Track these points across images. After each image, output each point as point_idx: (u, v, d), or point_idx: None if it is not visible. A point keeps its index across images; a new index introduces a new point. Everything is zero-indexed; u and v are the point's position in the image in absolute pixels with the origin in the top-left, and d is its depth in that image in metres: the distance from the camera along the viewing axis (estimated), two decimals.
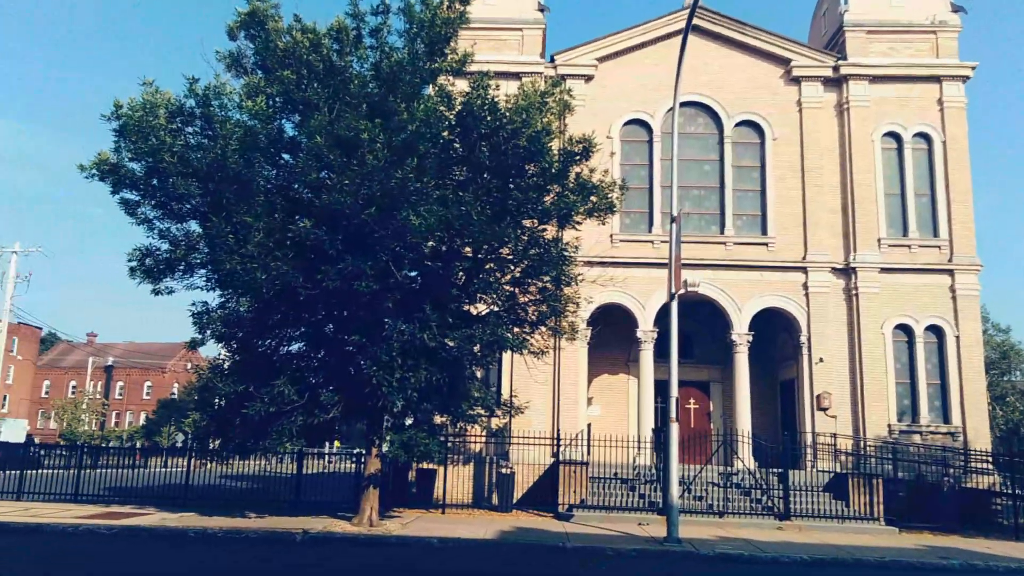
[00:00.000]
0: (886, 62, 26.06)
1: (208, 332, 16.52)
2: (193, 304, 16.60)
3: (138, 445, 61.41)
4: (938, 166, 25.56)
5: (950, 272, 24.76)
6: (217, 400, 17.91)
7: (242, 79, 16.89)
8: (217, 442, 19.11)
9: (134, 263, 16.39)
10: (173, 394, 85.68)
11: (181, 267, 16.62)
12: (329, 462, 36.74)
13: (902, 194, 25.57)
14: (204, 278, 16.89)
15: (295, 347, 17.87)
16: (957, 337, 24.41)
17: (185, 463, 22.15)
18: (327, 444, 30.18)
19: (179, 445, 54.68)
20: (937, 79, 25.92)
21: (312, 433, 17.47)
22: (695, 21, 22.65)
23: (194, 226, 16.93)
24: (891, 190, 25.64)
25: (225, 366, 17.89)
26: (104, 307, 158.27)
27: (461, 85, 17.20)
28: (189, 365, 78.86)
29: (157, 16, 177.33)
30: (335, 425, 17.99)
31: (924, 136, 25.87)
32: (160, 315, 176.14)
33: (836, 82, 26.21)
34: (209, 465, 22.91)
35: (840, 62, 26.06)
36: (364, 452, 18.59)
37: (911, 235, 25.20)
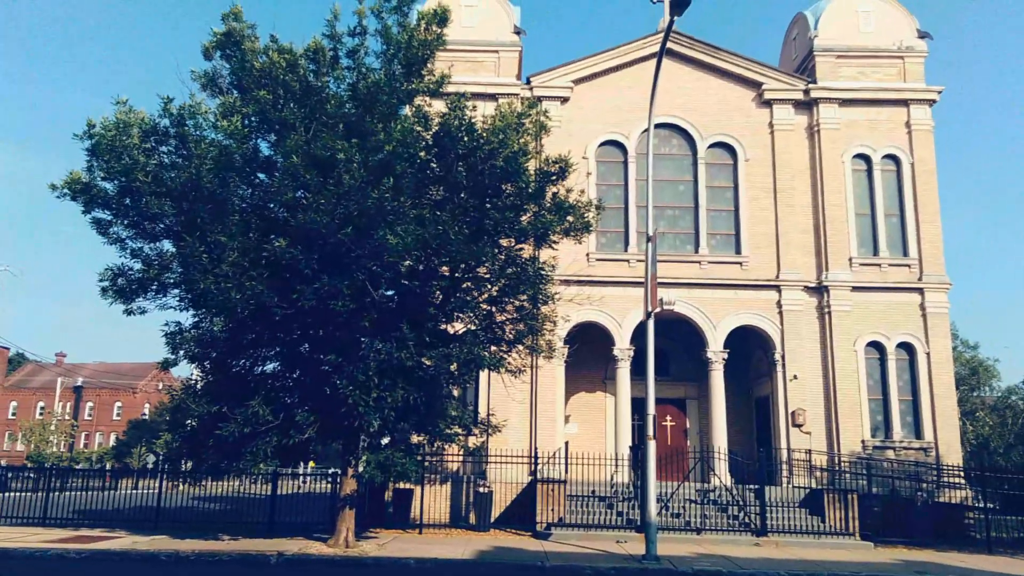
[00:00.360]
0: (855, 86, 26.63)
1: (181, 352, 16.34)
2: (166, 324, 16.40)
3: (108, 467, 60.29)
4: (907, 187, 26.11)
5: (920, 290, 25.22)
6: (190, 421, 17.66)
7: (217, 99, 16.85)
8: (189, 463, 18.85)
9: (106, 283, 16.22)
10: (144, 415, 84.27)
11: (154, 287, 16.46)
12: (304, 482, 36.24)
13: (872, 214, 26.05)
14: (177, 298, 16.72)
15: (270, 367, 17.72)
16: (928, 354, 24.82)
17: (157, 485, 21.79)
18: (302, 464, 29.84)
19: (150, 466, 53.75)
20: (905, 102, 26.54)
21: (287, 453, 17.29)
22: (669, 45, 23.01)
23: (167, 246, 16.79)
24: (862, 210, 26.11)
25: (198, 386, 17.66)
26: (74, 327, 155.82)
27: (438, 106, 17.32)
28: (161, 385, 77.79)
29: (133, 36, 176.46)
30: (310, 445, 17.79)
31: (893, 158, 26.42)
32: (131, 335, 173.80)
33: (807, 105, 26.72)
34: (181, 487, 22.59)
35: (811, 86, 26.59)
36: (340, 472, 18.43)
37: (881, 254, 25.65)
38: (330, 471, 26.66)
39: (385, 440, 17.57)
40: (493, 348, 17.56)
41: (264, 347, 17.17)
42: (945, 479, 22.89)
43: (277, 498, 20.70)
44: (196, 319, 16.87)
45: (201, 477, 18.87)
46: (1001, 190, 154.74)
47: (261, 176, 17.00)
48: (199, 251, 15.07)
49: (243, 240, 15.20)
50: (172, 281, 16.41)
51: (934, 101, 26.57)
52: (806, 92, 26.57)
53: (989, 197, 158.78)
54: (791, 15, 32.15)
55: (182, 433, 17.75)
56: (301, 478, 34.77)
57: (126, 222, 16.49)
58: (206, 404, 16.01)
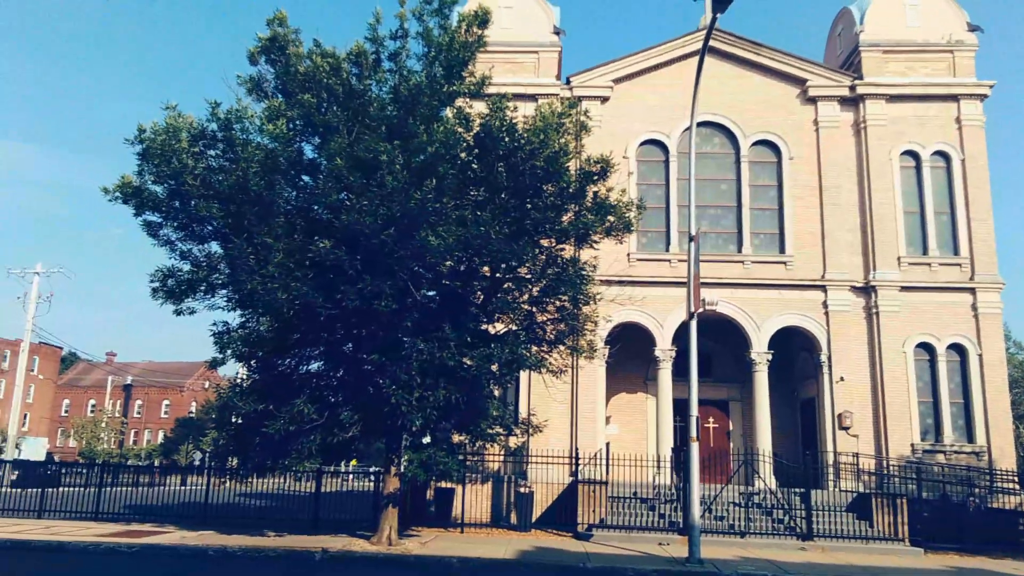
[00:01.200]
0: (903, 81, 26.05)
1: (229, 351, 16.65)
2: (214, 324, 16.75)
3: (157, 463, 61.73)
4: (957, 184, 25.45)
5: (971, 290, 24.56)
6: (236, 419, 18.01)
7: (263, 103, 17.13)
8: (235, 460, 19.19)
9: (156, 284, 16.60)
10: (191, 413, 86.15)
11: (202, 287, 16.80)
12: (346, 480, 36.69)
13: (921, 212, 25.46)
14: (225, 298, 17.05)
15: (314, 366, 17.97)
16: (980, 355, 24.17)
17: (203, 481, 22.25)
18: (345, 463, 30.21)
19: (197, 463, 54.88)
20: (955, 98, 25.87)
21: (331, 452, 17.51)
22: (711, 42, 22.75)
23: (215, 247, 17.14)
24: (910, 208, 25.53)
25: (244, 385, 17.99)
26: (124, 327, 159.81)
27: (479, 107, 17.37)
28: (207, 384, 79.31)
29: (180, 41, 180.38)
30: (353, 444, 18.01)
31: (943, 155, 25.77)
32: (178, 334, 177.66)
33: (853, 101, 26.21)
34: (227, 483, 23.01)
35: (856, 81, 26.07)
36: (382, 471, 18.61)
37: (931, 253, 25.05)
38: (372, 469, 26.94)
39: (427, 439, 17.70)
40: (534, 348, 17.56)
41: (309, 346, 17.43)
42: (998, 484, 22.25)
43: (321, 496, 20.98)
44: (243, 319, 17.19)
45: (247, 474, 19.19)
46: None
47: (306, 178, 17.26)
48: (246, 252, 15.34)
49: (288, 241, 15.45)
50: (220, 282, 16.74)
51: (985, 96, 25.85)
52: (852, 88, 26.07)
53: None
54: (836, 11, 31.58)
55: (228, 431, 18.12)
56: (344, 476, 35.13)
57: (175, 224, 16.87)
58: (252, 402, 16.29)
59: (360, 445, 18.44)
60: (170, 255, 17.04)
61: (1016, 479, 22.89)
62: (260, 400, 16.23)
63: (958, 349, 24.46)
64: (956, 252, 25.06)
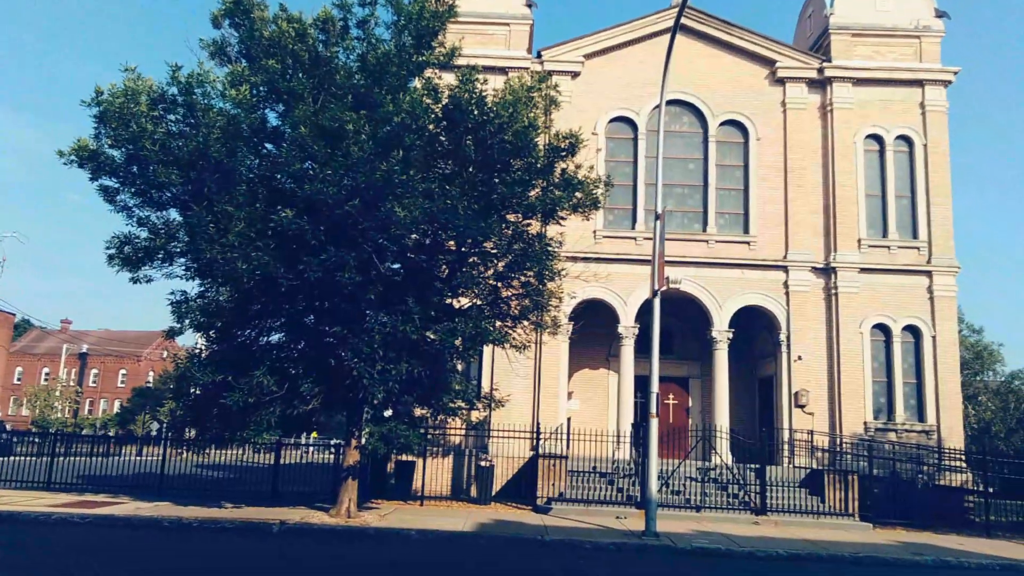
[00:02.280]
0: (870, 65, 26.28)
1: (187, 321, 16.35)
2: (172, 293, 16.40)
3: (112, 433, 60.80)
4: (919, 169, 25.86)
5: (928, 273, 25.08)
6: (194, 389, 17.74)
7: (226, 68, 16.73)
8: (193, 432, 18.95)
9: (112, 251, 16.23)
10: (148, 382, 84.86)
11: (160, 255, 16.46)
12: (307, 452, 36.59)
13: (883, 196, 25.85)
14: (184, 267, 16.74)
15: (275, 337, 17.73)
16: (934, 337, 24.75)
17: (160, 452, 21.96)
18: (305, 435, 30.04)
19: (154, 434, 54.17)
20: (920, 83, 26.20)
21: (291, 424, 17.37)
22: (682, 20, 22.65)
23: (174, 214, 16.78)
24: (872, 191, 25.91)
25: (203, 355, 17.72)
26: (80, 295, 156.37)
27: (448, 79, 17.13)
28: (165, 354, 78.14)
29: (141, 2, 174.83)
30: (314, 416, 17.90)
31: (906, 139, 26.14)
32: (136, 303, 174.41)
33: (820, 84, 26.40)
34: (185, 454, 22.75)
35: (825, 64, 26.25)
36: (343, 443, 18.53)
37: (891, 236, 25.48)
38: (333, 442, 26.84)
39: (388, 412, 17.65)
40: (498, 323, 17.56)
41: (269, 318, 17.19)
42: (946, 462, 22.93)
43: (280, 468, 20.84)
44: (202, 288, 16.89)
45: (205, 445, 18.99)
46: (1013, 174, 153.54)
47: (269, 146, 16.91)
48: (206, 220, 15.04)
49: (250, 210, 15.15)
50: (178, 250, 16.41)
51: (949, 82, 26.22)
52: (820, 71, 26.25)
53: (999, 181, 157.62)
54: None
55: (186, 401, 17.86)
56: (304, 448, 34.96)
57: (133, 190, 16.47)
58: (211, 373, 16.06)
59: (321, 418, 18.34)
60: (127, 222, 16.71)
61: (963, 458, 23.63)
62: (219, 371, 15.99)
63: (913, 330, 25.02)
64: (915, 236, 25.54)
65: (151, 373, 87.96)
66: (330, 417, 19.08)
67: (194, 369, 16.52)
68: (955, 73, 26.19)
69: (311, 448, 34.56)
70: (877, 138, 26.15)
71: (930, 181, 25.65)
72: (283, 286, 15.31)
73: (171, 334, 16.94)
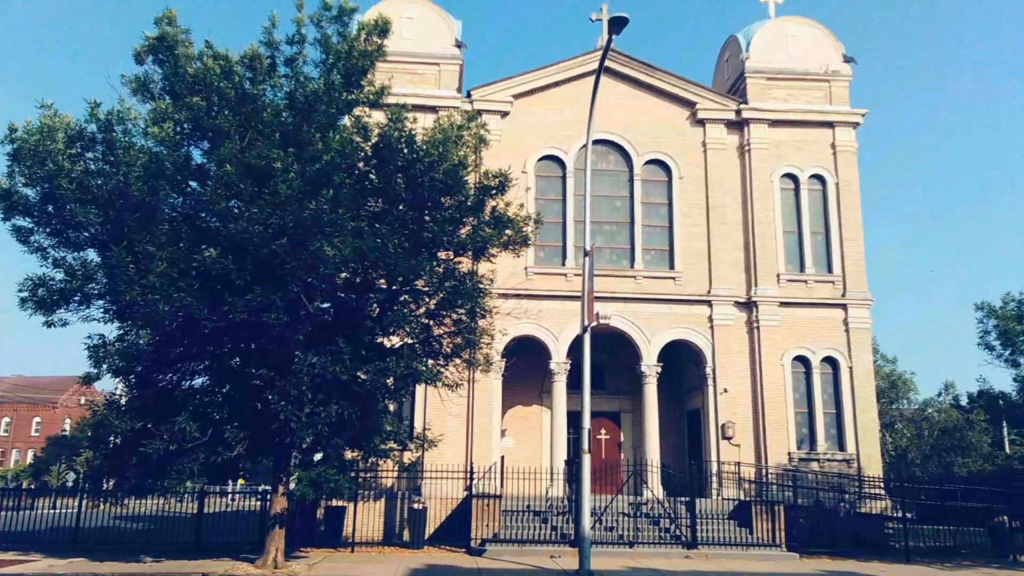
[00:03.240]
0: (784, 107, 27.54)
1: (105, 366, 15.66)
2: (89, 336, 15.73)
3: (25, 485, 57.44)
4: (832, 206, 27.08)
5: (843, 306, 26.13)
6: (112, 438, 17.02)
7: (149, 104, 16.35)
8: (111, 482, 18.11)
9: (25, 293, 15.51)
10: (64, 431, 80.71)
11: (77, 298, 15.82)
12: (232, 500, 35.28)
13: (799, 232, 26.92)
14: (102, 309, 16.12)
15: (198, 381, 17.20)
16: (851, 368, 25.71)
17: (76, 504, 20.86)
18: (231, 482, 29.02)
19: (70, 485, 51.45)
20: (831, 124, 27.57)
21: (215, 471, 16.78)
22: (607, 63, 23.36)
23: (92, 255, 16.18)
24: (789, 228, 26.96)
25: (122, 402, 17.02)
26: None
27: (378, 117, 17.16)
28: (83, 400, 74.63)
29: (62, 38, 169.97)
30: (240, 462, 17.33)
31: (819, 178, 27.38)
32: (52, 347, 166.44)
33: (738, 125, 27.49)
34: (102, 506, 21.65)
35: (742, 106, 27.38)
36: (270, 490, 17.98)
37: (808, 271, 26.50)
38: (260, 488, 25.98)
39: (318, 456, 17.24)
40: (431, 362, 17.44)
41: (193, 361, 16.66)
42: (866, 490, 23.69)
43: (204, 517, 20.07)
44: (121, 331, 16.26)
45: (123, 496, 18.15)
46: (920, 208, 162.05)
47: (193, 184, 16.55)
48: (125, 261, 14.56)
49: (172, 250, 14.75)
50: (96, 292, 15.82)
51: (858, 124, 27.68)
52: (738, 112, 27.35)
53: (909, 215, 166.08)
54: (724, 37, 33.11)
55: (104, 450, 17.11)
56: (230, 496, 33.72)
57: (48, 230, 15.86)
58: (130, 420, 15.45)
59: (247, 464, 17.78)
60: (42, 263, 15.99)
61: (882, 486, 24.45)
62: (138, 418, 15.39)
63: (831, 362, 25.95)
64: (830, 270, 26.62)
65: (68, 421, 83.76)
66: (257, 463, 18.51)
67: (112, 416, 15.87)
68: (863, 115, 27.66)
69: (237, 495, 33.36)
70: (793, 177, 27.32)
71: (843, 218, 26.87)
72: (207, 328, 14.88)
73: (88, 380, 16.22)
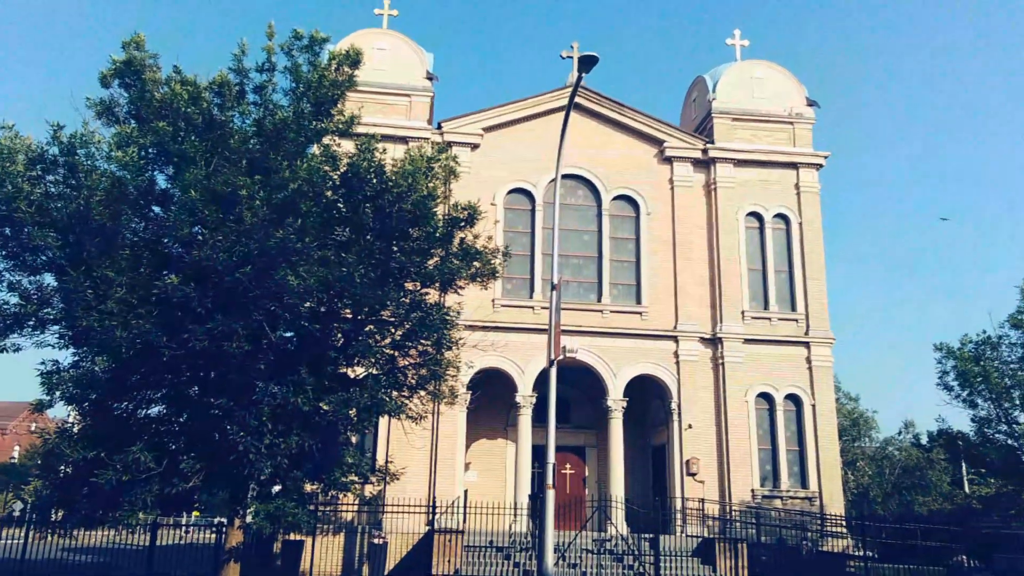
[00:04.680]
0: (749, 147, 28.10)
1: (58, 393, 15.15)
2: (43, 363, 15.25)
3: None
4: (795, 245, 27.56)
5: (806, 344, 26.47)
6: (63, 467, 16.47)
7: (113, 128, 16.12)
8: (61, 512, 17.48)
9: None
10: (13, 458, 78.04)
11: (31, 322, 15.38)
12: (187, 532, 34.29)
13: (763, 270, 27.31)
14: (57, 335, 15.66)
15: (155, 410, 16.71)
16: (813, 406, 25.97)
17: (23, 535, 20.11)
18: (185, 514, 28.23)
19: (16, 515, 49.68)
20: (794, 165, 28.16)
21: (169, 503, 16.25)
22: (577, 99, 23.71)
23: (49, 279, 15.77)
24: (754, 266, 27.35)
25: (75, 430, 16.50)
26: None
27: (347, 146, 17.12)
28: (34, 427, 72.42)
29: (26, 59, 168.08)
30: (195, 494, 16.85)
31: (783, 217, 27.88)
32: (2, 371, 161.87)
33: (705, 163, 27.95)
34: (50, 537, 20.89)
35: (708, 146, 27.87)
36: (225, 522, 17.50)
37: (771, 308, 26.85)
38: (216, 521, 25.34)
39: (276, 488, 16.84)
40: (395, 393, 17.20)
41: (150, 389, 16.22)
42: (829, 528, 23.80)
43: (156, 549, 19.46)
44: (76, 358, 15.82)
45: (72, 527, 17.50)
46: (881, 249, 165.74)
47: (156, 210, 16.28)
48: (83, 286, 14.21)
49: (132, 276, 14.45)
50: (52, 317, 15.40)
51: (821, 166, 28.30)
52: (704, 151, 27.83)
53: (870, 255, 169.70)
54: (692, 77, 33.81)
55: (54, 480, 16.52)
56: (184, 528, 32.79)
57: (4, 253, 15.44)
58: (82, 449, 14.93)
59: (203, 495, 17.28)
60: None
61: (844, 523, 24.59)
62: (91, 447, 14.88)
63: (794, 399, 26.20)
64: (793, 308, 27.00)
65: (17, 448, 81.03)
66: (213, 495, 18.00)
67: (64, 445, 15.32)
68: (825, 157, 28.32)
69: (192, 528, 32.43)
70: (758, 216, 27.78)
71: (806, 257, 27.34)
72: (165, 356, 14.52)
73: (40, 407, 15.69)
